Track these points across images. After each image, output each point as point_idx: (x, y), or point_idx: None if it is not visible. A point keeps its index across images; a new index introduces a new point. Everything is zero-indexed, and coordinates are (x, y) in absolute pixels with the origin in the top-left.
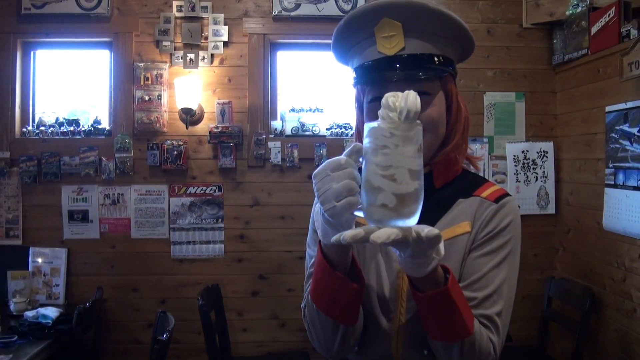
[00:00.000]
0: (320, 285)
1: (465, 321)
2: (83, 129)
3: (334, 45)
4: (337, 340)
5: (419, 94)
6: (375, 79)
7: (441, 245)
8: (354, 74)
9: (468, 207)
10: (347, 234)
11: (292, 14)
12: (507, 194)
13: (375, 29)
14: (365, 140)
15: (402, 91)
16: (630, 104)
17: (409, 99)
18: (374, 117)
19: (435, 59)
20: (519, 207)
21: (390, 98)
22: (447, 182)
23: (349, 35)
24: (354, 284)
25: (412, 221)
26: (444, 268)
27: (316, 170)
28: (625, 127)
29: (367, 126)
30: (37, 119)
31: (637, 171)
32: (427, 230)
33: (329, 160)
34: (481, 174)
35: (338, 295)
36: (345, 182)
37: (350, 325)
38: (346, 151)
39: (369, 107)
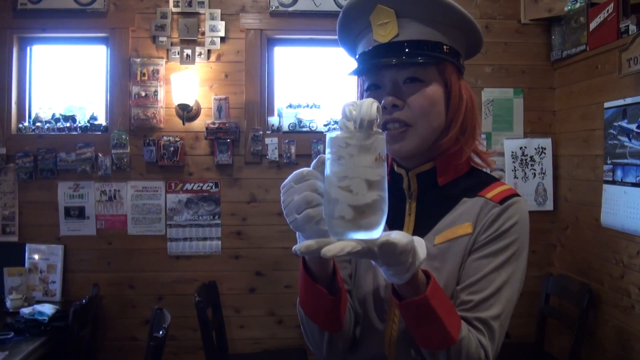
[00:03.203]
0: (303, 293)
1: (448, 330)
2: (79, 125)
3: (339, 39)
4: (324, 344)
5: (411, 80)
6: (369, 67)
7: (420, 249)
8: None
9: (471, 207)
10: (301, 246)
11: (290, 9)
12: (515, 194)
13: (370, 17)
14: (327, 151)
15: (394, 78)
16: (629, 100)
17: (363, 107)
18: None
19: (431, 45)
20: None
21: (348, 107)
22: (451, 179)
23: (349, 26)
24: (331, 296)
25: (375, 233)
26: (427, 274)
27: (283, 182)
28: (624, 123)
29: (327, 136)
30: (33, 115)
31: (635, 167)
32: (389, 237)
33: (295, 171)
34: (494, 172)
35: (318, 305)
36: (305, 194)
37: (334, 332)
38: (313, 163)
39: (365, 96)
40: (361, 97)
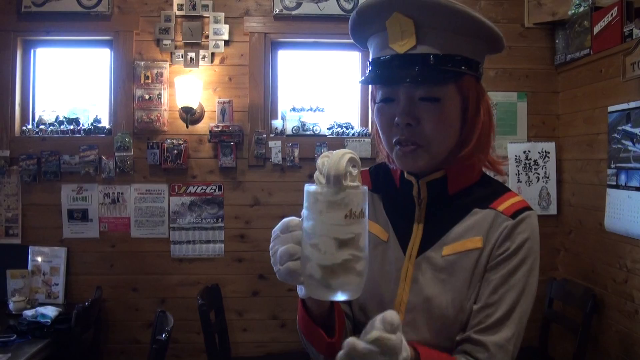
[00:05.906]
0: (300, 322)
1: None
2: (83, 127)
3: (352, 35)
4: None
5: (427, 99)
6: (383, 78)
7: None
8: (369, 67)
9: (482, 220)
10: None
11: (293, 12)
12: (527, 208)
13: (386, 23)
14: (304, 205)
15: (410, 94)
16: (632, 104)
17: (331, 160)
18: (380, 119)
19: (450, 59)
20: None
21: (321, 158)
22: (462, 188)
23: (362, 27)
24: (327, 339)
25: (351, 295)
26: (415, 348)
27: (275, 227)
28: (628, 128)
29: (305, 189)
30: (37, 118)
31: (639, 172)
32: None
33: (284, 219)
34: (505, 180)
35: (314, 340)
36: (288, 247)
37: (329, 357)
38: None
39: (376, 107)
40: (373, 102)
